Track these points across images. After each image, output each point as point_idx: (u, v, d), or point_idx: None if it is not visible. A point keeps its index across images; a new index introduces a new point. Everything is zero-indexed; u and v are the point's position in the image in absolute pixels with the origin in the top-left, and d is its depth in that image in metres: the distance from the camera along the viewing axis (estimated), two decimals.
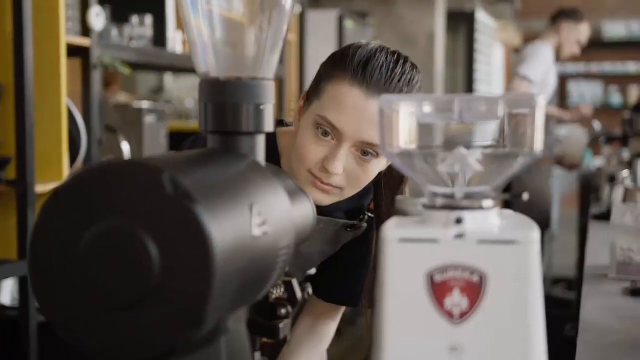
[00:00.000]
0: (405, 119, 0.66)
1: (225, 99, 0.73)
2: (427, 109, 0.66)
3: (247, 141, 0.74)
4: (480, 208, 0.66)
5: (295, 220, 0.75)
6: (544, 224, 4.28)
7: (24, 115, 2.21)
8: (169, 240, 0.56)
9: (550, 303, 4.96)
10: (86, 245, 0.57)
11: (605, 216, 2.57)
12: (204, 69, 0.75)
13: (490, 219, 0.66)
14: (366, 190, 1.29)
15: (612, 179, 3.03)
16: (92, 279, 0.56)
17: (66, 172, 2.34)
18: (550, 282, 5.19)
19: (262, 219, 0.65)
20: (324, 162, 1.18)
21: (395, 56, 1.21)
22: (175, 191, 0.56)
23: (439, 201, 0.67)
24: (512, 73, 4.36)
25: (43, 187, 2.30)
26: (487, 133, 0.70)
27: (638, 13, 9.60)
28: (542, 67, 4.10)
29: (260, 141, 0.75)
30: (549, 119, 4.20)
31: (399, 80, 1.18)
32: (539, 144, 0.64)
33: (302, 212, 0.79)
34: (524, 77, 4.04)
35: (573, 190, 6.11)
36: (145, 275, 0.55)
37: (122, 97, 4.36)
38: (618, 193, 2.86)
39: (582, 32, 4.25)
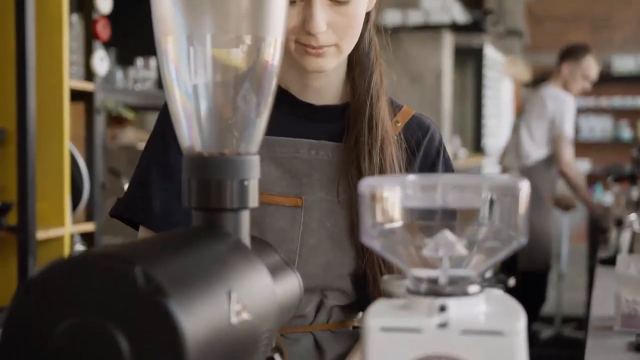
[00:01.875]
0: (387, 202, 0.65)
1: (209, 175, 0.72)
2: (410, 192, 0.65)
3: (231, 218, 0.73)
4: (465, 294, 0.64)
5: (279, 300, 0.73)
6: (545, 263, 4.25)
7: (26, 160, 2.21)
8: (141, 335, 0.55)
9: (561, 343, 4.92)
10: (57, 340, 0.56)
11: (613, 260, 2.54)
12: (188, 144, 0.74)
13: (475, 306, 0.64)
14: None
15: (620, 223, 3.00)
16: None
17: (68, 217, 2.34)
18: (560, 321, 5.13)
19: (241, 306, 0.64)
20: (304, 27, 1.10)
21: None
22: (148, 285, 0.55)
23: (423, 287, 0.65)
24: (551, 129, 4.25)
25: (45, 234, 2.29)
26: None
27: None
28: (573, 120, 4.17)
29: (245, 217, 0.74)
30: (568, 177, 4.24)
31: None
32: (522, 232, 0.62)
33: (287, 289, 0.78)
34: (567, 138, 4.14)
35: (583, 226, 6.07)
36: None
37: (131, 134, 4.38)
38: (625, 237, 2.83)
39: (585, 67, 4.24)
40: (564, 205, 4.57)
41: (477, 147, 7.04)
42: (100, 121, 2.54)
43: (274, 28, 0.74)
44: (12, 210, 2.25)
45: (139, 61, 2.91)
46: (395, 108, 1.25)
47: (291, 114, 1.21)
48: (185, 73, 0.73)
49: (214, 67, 0.73)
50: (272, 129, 1.18)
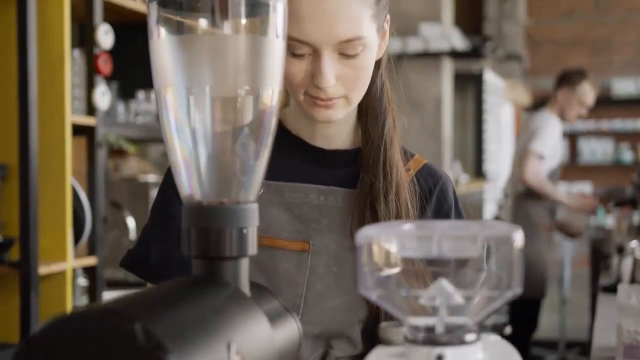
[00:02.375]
0: (383, 252, 0.66)
1: (209, 224, 0.73)
2: (406, 242, 0.65)
3: (230, 266, 0.74)
4: (462, 343, 0.65)
5: (278, 347, 0.74)
6: (540, 291, 4.22)
7: (28, 196, 2.22)
8: None
9: None
10: None
11: (614, 288, 2.54)
12: (188, 192, 0.75)
13: (472, 354, 0.65)
14: None
15: (621, 249, 3.00)
16: None
17: (70, 252, 2.34)
18: (564, 346, 5.11)
19: (240, 357, 0.64)
20: (313, 81, 1.09)
21: None
22: (148, 341, 0.56)
23: (420, 335, 0.66)
24: (520, 145, 4.37)
25: (47, 269, 2.30)
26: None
27: None
28: (551, 140, 4.14)
29: (244, 265, 0.75)
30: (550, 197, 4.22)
31: None
32: (517, 281, 0.63)
33: (286, 336, 0.78)
34: (536, 153, 4.08)
35: (586, 250, 6.06)
36: None
37: (134, 164, 4.39)
38: (627, 264, 2.83)
39: (582, 94, 4.24)
40: (569, 233, 4.54)
41: (478, 172, 7.06)
42: (101, 155, 2.56)
43: (272, 79, 0.75)
44: (14, 246, 2.25)
45: (140, 94, 2.94)
46: (407, 156, 1.25)
47: (302, 159, 1.21)
48: (184, 123, 0.74)
49: (212, 118, 0.74)
50: (283, 174, 1.19)
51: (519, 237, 0.64)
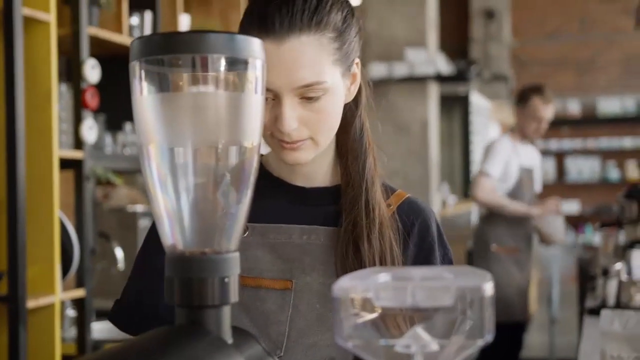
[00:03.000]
0: (359, 302, 0.68)
1: (191, 274, 0.75)
2: (382, 293, 0.68)
3: (212, 314, 0.76)
4: None
5: None
6: (519, 313, 4.18)
7: (16, 230, 2.24)
8: None
9: None
10: None
11: (599, 311, 2.56)
12: (170, 242, 0.77)
13: None
14: None
15: (605, 272, 3.02)
16: None
17: (59, 285, 2.36)
18: None
19: None
20: (276, 124, 1.12)
21: None
22: None
23: None
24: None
25: (35, 302, 2.30)
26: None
27: (631, 89, 9.75)
28: (501, 159, 4.13)
29: (226, 312, 0.77)
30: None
31: (303, 11, 1.11)
32: (488, 329, 0.66)
33: None
34: (484, 173, 4.10)
35: (574, 268, 6.09)
36: None
37: (123, 192, 4.40)
38: (612, 286, 2.85)
39: (532, 108, 4.18)
40: (545, 240, 4.46)
41: (466, 193, 7.10)
42: (89, 188, 2.58)
43: (252, 133, 0.77)
44: (2, 280, 2.26)
45: (128, 126, 2.96)
46: (388, 191, 1.26)
47: (284, 199, 1.24)
48: (167, 176, 0.76)
49: (194, 171, 0.76)
50: (267, 215, 1.22)
51: (488, 287, 0.66)
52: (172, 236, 0.77)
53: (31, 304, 2.29)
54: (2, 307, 2.27)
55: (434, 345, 0.68)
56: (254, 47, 0.76)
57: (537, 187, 4.42)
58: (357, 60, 1.21)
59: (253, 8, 1.15)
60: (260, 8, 1.12)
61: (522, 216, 4.18)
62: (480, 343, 0.68)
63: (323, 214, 1.23)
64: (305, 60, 1.11)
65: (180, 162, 0.76)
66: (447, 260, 1.27)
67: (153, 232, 1.24)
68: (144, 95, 0.77)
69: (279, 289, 1.18)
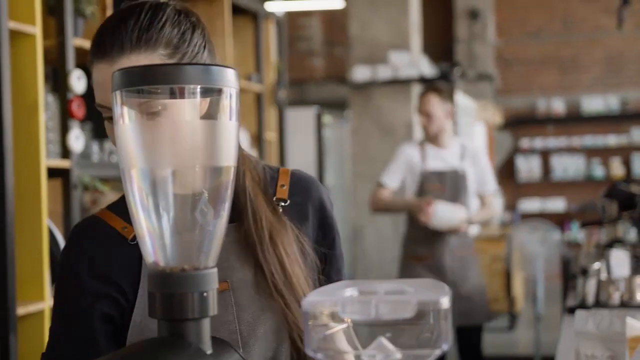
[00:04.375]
0: (327, 316, 0.73)
1: (172, 289, 0.81)
2: (348, 307, 0.73)
3: (192, 327, 0.81)
4: None
5: None
6: (485, 316, 4.16)
7: (5, 238, 2.28)
8: None
9: None
10: None
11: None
12: (152, 260, 0.83)
13: None
14: None
15: (584, 271, 3.08)
16: None
17: (48, 292, 2.40)
18: None
19: None
20: None
21: (131, 11, 1.17)
22: None
23: None
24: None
25: (24, 309, 2.35)
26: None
27: (614, 88, 9.85)
28: (395, 166, 4.04)
29: (206, 324, 0.82)
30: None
31: (133, 31, 1.14)
32: (445, 338, 0.71)
33: None
34: (379, 184, 4.07)
35: (558, 265, 6.16)
36: None
37: (112, 197, 4.43)
38: (591, 286, 2.91)
39: (421, 104, 4.03)
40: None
41: None
42: (77, 196, 2.63)
43: (227, 156, 0.83)
44: None
45: None
46: (273, 172, 1.30)
47: None
48: (148, 199, 0.82)
49: (174, 193, 0.82)
50: None
51: (445, 301, 0.72)
52: (153, 254, 0.83)
53: (20, 311, 2.33)
54: None
55: (397, 355, 0.74)
56: (228, 77, 0.82)
57: (473, 187, 4.11)
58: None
59: (96, 32, 1.20)
60: (98, 32, 1.18)
61: (407, 208, 4.04)
62: (437, 353, 0.73)
63: None
64: None
65: (160, 184, 0.81)
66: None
67: (70, 266, 1.20)
68: (125, 122, 0.82)
69: (219, 292, 1.22)
